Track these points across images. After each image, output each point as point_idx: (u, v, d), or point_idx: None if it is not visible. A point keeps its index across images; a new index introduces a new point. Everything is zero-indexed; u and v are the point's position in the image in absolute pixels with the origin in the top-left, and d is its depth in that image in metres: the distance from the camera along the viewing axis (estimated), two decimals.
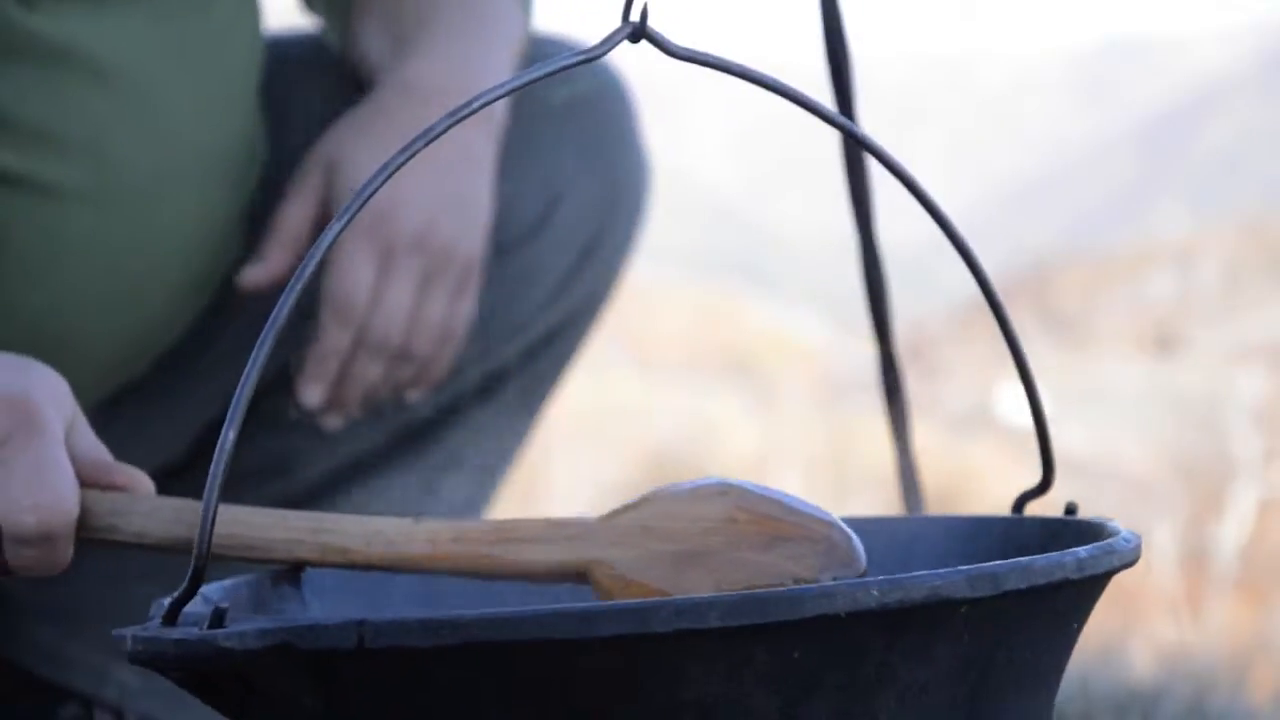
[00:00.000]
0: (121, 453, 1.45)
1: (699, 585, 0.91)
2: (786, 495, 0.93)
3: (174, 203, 1.31)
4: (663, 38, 0.86)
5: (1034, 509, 1.01)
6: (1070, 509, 0.99)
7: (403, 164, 0.82)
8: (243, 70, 1.36)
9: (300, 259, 1.30)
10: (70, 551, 0.97)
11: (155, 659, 0.79)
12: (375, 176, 0.81)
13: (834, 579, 0.90)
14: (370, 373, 1.32)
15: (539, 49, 1.48)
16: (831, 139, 1.23)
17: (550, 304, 1.50)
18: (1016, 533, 1.00)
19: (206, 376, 1.46)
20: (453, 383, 1.45)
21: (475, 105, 0.83)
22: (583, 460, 11.28)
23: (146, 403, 1.44)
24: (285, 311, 0.78)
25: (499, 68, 1.39)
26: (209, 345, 1.44)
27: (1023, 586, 0.80)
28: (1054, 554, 0.82)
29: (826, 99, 1.30)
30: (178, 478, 1.46)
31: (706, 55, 0.88)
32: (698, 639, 0.75)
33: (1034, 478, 1.00)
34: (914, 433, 1.43)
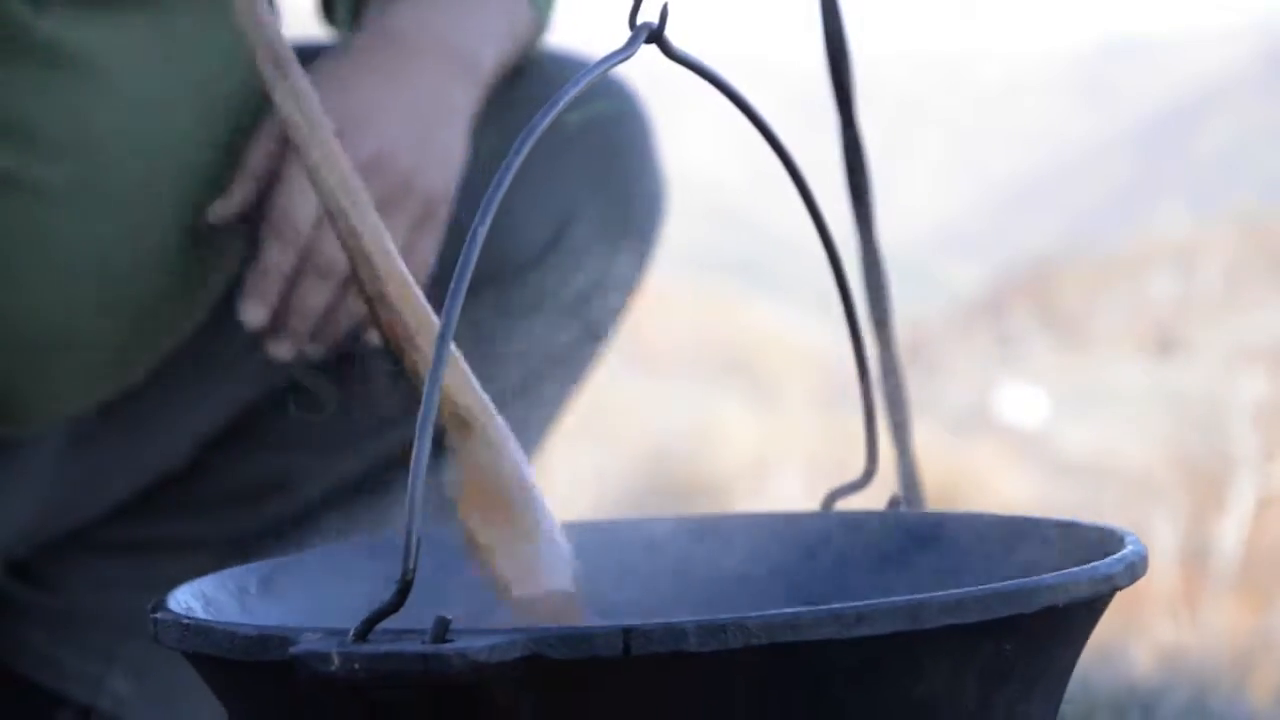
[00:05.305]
0: (120, 458, 1.44)
1: None
2: (544, 502, 0.94)
3: (164, 203, 1.30)
4: (669, 42, 0.87)
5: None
6: (894, 501, 1.03)
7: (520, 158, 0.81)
8: (237, 71, 1.36)
9: (260, 191, 1.28)
10: None
11: (385, 676, 0.72)
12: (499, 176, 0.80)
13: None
14: (316, 298, 1.27)
15: (552, 67, 1.46)
16: (831, 139, 1.23)
17: (559, 327, 1.48)
18: (817, 528, 1.03)
19: (207, 385, 1.45)
20: None
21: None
22: (583, 460, 11.28)
23: (145, 409, 1.43)
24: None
25: (493, 32, 1.35)
26: (209, 354, 1.43)
27: (1126, 583, 0.82)
28: (1122, 553, 0.84)
29: (826, 99, 1.30)
30: (178, 485, 1.46)
31: (703, 65, 0.89)
32: (944, 635, 0.75)
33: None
34: (914, 432, 1.43)
